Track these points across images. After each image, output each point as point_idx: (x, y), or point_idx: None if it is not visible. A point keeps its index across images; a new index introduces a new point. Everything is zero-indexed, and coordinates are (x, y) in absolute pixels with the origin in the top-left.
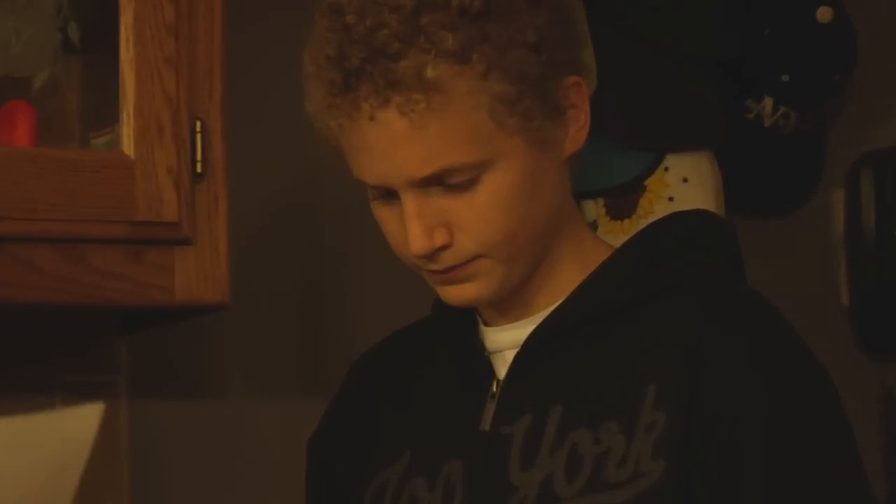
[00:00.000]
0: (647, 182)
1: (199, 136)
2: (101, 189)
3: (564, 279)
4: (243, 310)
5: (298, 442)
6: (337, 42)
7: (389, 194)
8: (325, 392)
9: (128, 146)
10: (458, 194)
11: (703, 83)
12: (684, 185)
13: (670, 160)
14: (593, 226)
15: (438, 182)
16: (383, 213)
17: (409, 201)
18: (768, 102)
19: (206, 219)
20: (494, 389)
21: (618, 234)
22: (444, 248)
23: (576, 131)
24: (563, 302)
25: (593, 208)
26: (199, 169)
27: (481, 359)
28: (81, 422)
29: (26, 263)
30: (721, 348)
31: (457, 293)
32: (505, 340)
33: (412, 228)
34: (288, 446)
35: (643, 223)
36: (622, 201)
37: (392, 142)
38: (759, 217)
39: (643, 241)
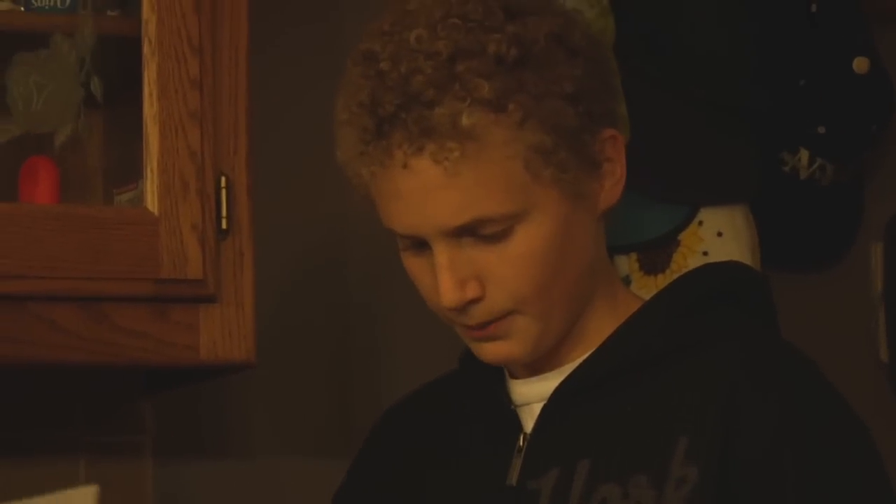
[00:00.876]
0: (681, 236)
1: (224, 192)
2: (125, 246)
3: (594, 331)
4: (270, 369)
5: (324, 500)
6: (371, 89)
7: (420, 244)
8: (353, 452)
9: (151, 202)
10: (491, 246)
11: (737, 135)
12: (719, 239)
13: (704, 214)
14: (626, 281)
15: (471, 233)
16: (414, 265)
17: (441, 252)
18: (804, 155)
19: (232, 276)
20: (521, 443)
21: (651, 290)
22: (475, 300)
23: (612, 185)
24: (591, 354)
25: (626, 263)
26: (224, 225)
27: (508, 412)
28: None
29: (48, 322)
30: (756, 402)
31: (491, 351)
32: (532, 393)
33: (443, 280)
34: None
35: None
36: (655, 256)
37: (425, 190)
38: (796, 272)
39: (674, 293)
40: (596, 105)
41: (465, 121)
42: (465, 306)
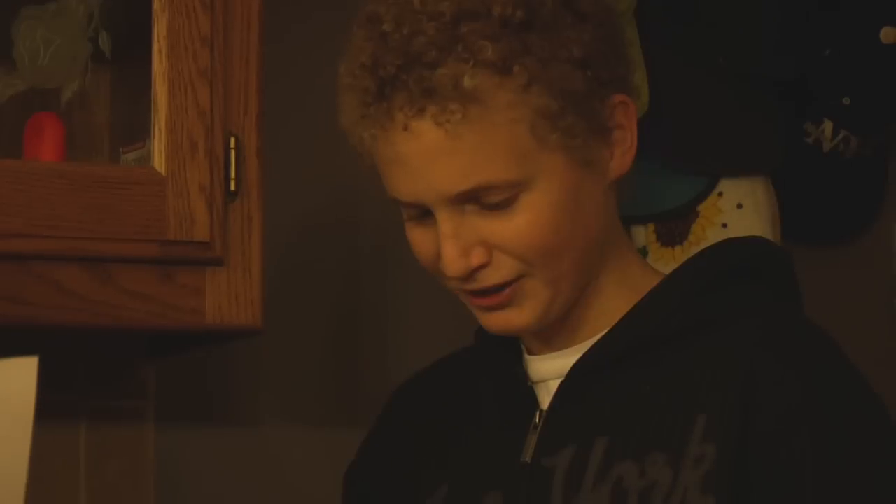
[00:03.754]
0: (700, 207)
1: (233, 153)
2: (131, 206)
3: (611, 307)
4: (276, 334)
5: (330, 472)
6: (372, 50)
7: (424, 214)
8: (360, 421)
9: (159, 162)
10: (496, 213)
11: (759, 106)
12: (738, 211)
13: (724, 185)
14: (643, 252)
15: (475, 200)
16: (417, 235)
17: (444, 220)
18: (828, 126)
19: (239, 239)
20: (537, 420)
21: (668, 262)
22: (481, 267)
23: (622, 153)
24: (609, 331)
25: (643, 234)
26: (232, 187)
27: (525, 389)
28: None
29: (52, 283)
30: (774, 381)
31: (500, 320)
32: (549, 370)
33: (447, 248)
34: (319, 476)
35: (695, 250)
36: (673, 227)
37: (427, 154)
38: (817, 246)
39: (694, 268)
40: (605, 71)
41: (467, 82)
42: (471, 273)
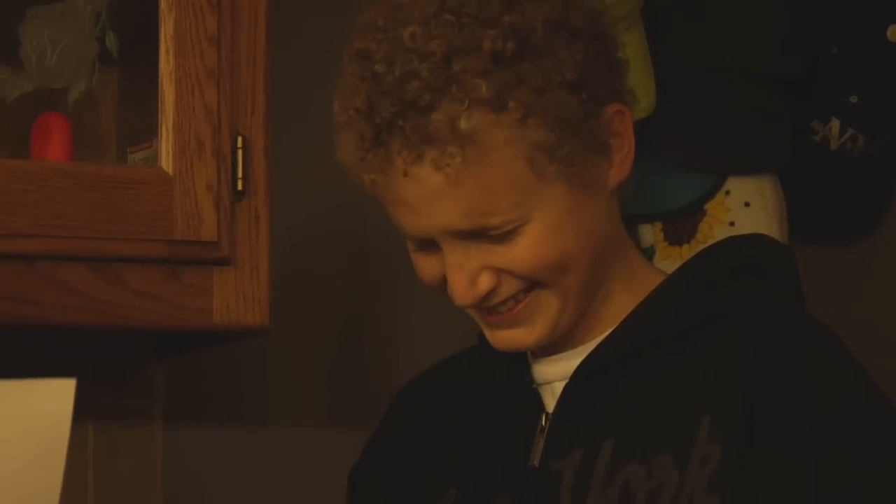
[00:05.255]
0: (707, 206)
1: (240, 153)
2: (138, 206)
3: (615, 308)
4: (284, 334)
5: (338, 472)
6: (366, 93)
7: (429, 243)
8: (367, 421)
9: (166, 162)
10: (501, 243)
11: (766, 104)
12: (746, 209)
13: (732, 183)
14: (650, 251)
15: (479, 234)
16: (423, 262)
17: (450, 252)
18: (835, 124)
19: (247, 238)
20: (543, 423)
21: (676, 261)
22: (491, 291)
23: (621, 160)
24: (612, 331)
25: (651, 233)
26: (239, 186)
27: (529, 391)
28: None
29: (59, 283)
30: (778, 379)
31: (507, 337)
32: (554, 372)
33: (455, 279)
34: (327, 476)
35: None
36: (680, 226)
37: (429, 197)
38: (825, 245)
39: (696, 267)
40: (600, 87)
41: (463, 124)
42: (481, 299)
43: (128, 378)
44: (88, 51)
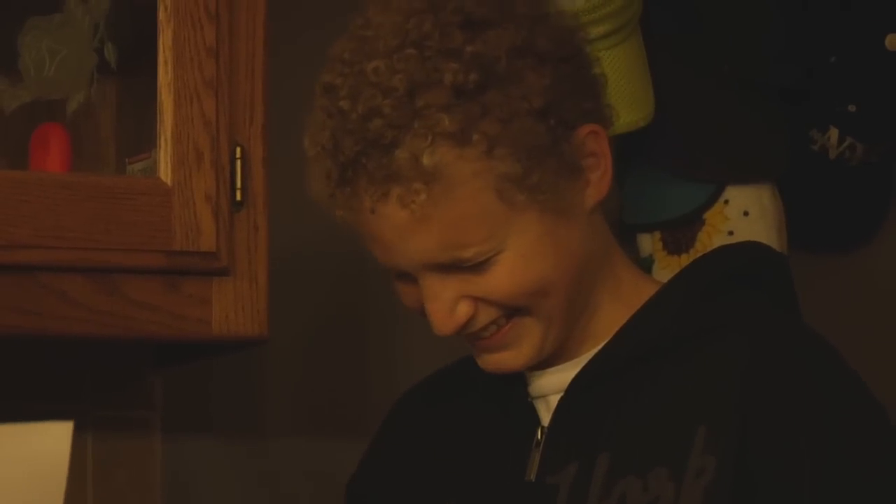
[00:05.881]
0: (706, 215)
1: (238, 163)
2: (137, 217)
3: (604, 321)
4: (282, 344)
5: (336, 482)
6: (332, 130)
7: (407, 274)
8: (366, 431)
9: (165, 173)
10: (476, 271)
11: (765, 113)
12: (745, 218)
13: (730, 192)
14: (649, 260)
15: (454, 266)
16: (402, 289)
17: (426, 284)
18: (834, 133)
19: (246, 249)
20: (539, 437)
21: (675, 270)
22: (470, 319)
23: (598, 179)
24: (606, 343)
25: (649, 242)
26: (238, 197)
27: (525, 405)
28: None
29: (58, 294)
30: (773, 390)
31: (494, 361)
32: (548, 385)
33: (433, 310)
34: (326, 486)
35: None
36: (679, 235)
37: (399, 233)
38: (824, 254)
39: (691, 276)
40: (569, 110)
41: (427, 160)
42: (461, 327)
43: (127, 388)
44: (87, 62)
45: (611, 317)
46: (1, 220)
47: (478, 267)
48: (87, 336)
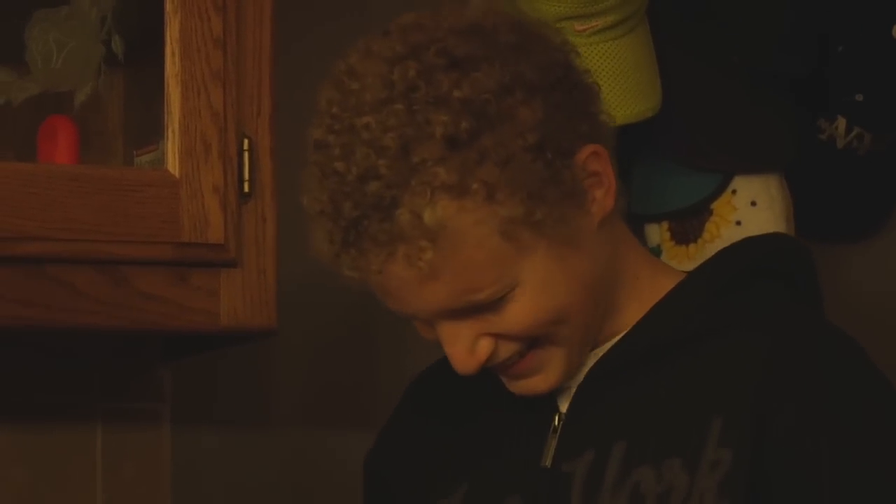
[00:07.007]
0: (714, 205)
1: (246, 155)
2: (145, 209)
3: (627, 317)
4: (291, 336)
5: (345, 474)
6: (329, 192)
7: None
8: (375, 422)
9: (172, 164)
10: (492, 309)
11: (772, 102)
12: (753, 208)
13: (738, 182)
14: (657, 251)
15: (468, 308)
16: (420, 327)
17: (443, 330)
18: (841, 123)
19: (254, 240)
20: (556, 424)
21: (682, 260)
22: (491, 355)
23: (603, 195)
24: (626, 333)
25: (657, 232)
26: (246, 188)
27: None
28: None
29: (66, 286)
30: (794, 385)
31: (523, 386)
32: None
33: (453, 353)
34: (335, 478)
35: (709, 248)
36: (687, 225)
37: (408, 288)
38: (832, 243)
39: (712, 270)
40: (566, 138)
41: (428, 217)
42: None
43: (136, 381)
44: (94, 54)
45: (631, 314)
46: (9, 212)
47: (493, 305)
48: (95, 328)
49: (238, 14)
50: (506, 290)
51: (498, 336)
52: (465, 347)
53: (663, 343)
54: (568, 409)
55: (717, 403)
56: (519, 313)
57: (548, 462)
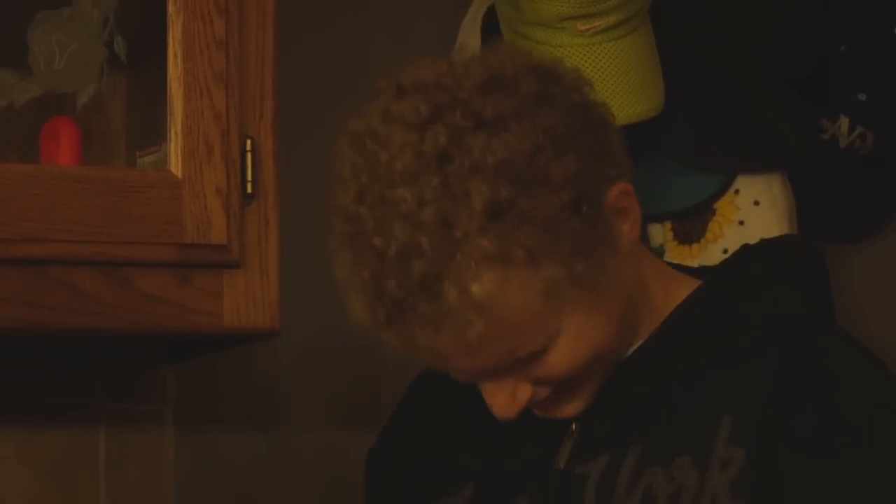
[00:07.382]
0: (717, 205)
1: (249, 156)
2: (148, 210)
3: (643, 331)
4: (294, 337)
5: (348, 475)
6: (370, 269)
7: None
8: (378, 423)
9: (175, 165)
10: (533, 359)
11: (775, 102)
12: (755, 208)
13: (741, 182)
14: (660, 251)
15: (510, 365)
16: (454, 373)
17: (485, 386)
18: (844, 122)
19: (257, 241)
20: (573, 427)
21: (685, 260)
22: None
23: (629, 228)
24: (645, 342)
25: (660, 232)
26: (249, 190)
27: None
28: None
29: (69, 287)
30: (808, 390)
31: (552, 413)
32: None
33: (494, 402)
34: (339, 479)
35: (712, 248)
36: (690, 225)
37: (454, 355)
38: (835, 243)
39: (730, 275)
40: (596, 186)
41: (476, 290)
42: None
43: (139, 382)
44: (97, 55)
45: (645, 325)
46: (12, 213)
47: (534, 355)
48: (98, 329)
49: (240, 16)
50: (548, 343)
51: (536, 381)
52: (507, 396)
53: (680, 351)
54: (585, 414)
55: (727, 403)
56: (561, 361)
57: (561, 464)
